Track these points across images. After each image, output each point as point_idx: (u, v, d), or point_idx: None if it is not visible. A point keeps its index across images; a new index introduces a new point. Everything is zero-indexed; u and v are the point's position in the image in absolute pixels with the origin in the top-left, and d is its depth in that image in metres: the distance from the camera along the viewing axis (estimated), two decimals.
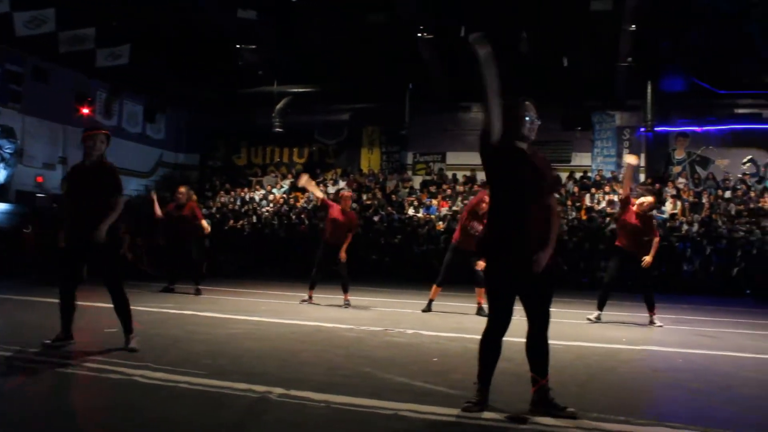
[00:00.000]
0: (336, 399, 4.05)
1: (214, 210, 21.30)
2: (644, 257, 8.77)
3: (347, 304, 9.91)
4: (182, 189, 11.12)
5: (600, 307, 8.99)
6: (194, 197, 11.20)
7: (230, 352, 5.59)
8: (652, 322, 8.81)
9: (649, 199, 9.11)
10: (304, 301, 10.16)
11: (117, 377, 4.49)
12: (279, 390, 4.21)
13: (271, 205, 21.60)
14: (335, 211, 9.95)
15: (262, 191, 22.93)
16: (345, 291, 9.99)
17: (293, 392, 4.17)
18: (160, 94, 23.50)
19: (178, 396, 4.09)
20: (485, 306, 7.85)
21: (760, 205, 18.35)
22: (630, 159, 8.95)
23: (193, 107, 25.33)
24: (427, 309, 9.57)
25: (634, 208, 8.89)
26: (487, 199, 6.67)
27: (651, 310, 8.87)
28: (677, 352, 6.71)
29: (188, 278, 11.18)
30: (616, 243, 9.15)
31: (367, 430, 3.54)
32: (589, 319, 8.95)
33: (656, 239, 8.96)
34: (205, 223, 11.32)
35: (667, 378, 5.40)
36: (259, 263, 18.32)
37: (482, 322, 8.61)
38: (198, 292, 10.84)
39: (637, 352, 6.67)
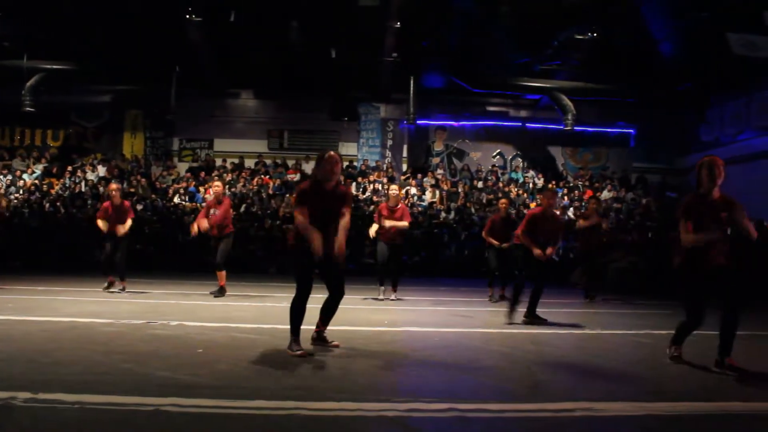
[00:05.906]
0: (91, 399, 3.81)
1: None
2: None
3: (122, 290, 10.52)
4: None
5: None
6: None
7: None
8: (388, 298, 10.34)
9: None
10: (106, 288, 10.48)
11: None
12: (25, 395, 3.85)
13: (21, 191, 19.75)
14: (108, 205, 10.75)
15: (10, 176, 20.84)
16: (121, 279, 10.75)
17: (42, 395, 3.85)
18: None
19: None
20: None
21: (507, 193, 20.21)
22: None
23: None
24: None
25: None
26: None
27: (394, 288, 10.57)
28: (435, 331, 7.21)
29: None
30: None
31: (125, 429, 3.37)
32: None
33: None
34: None
35: (425, 356, 5.77)
36: (6, 255, 16.61)
37: (244, 310, 8.57)
38: None
39: (398, 333, 7.04)
